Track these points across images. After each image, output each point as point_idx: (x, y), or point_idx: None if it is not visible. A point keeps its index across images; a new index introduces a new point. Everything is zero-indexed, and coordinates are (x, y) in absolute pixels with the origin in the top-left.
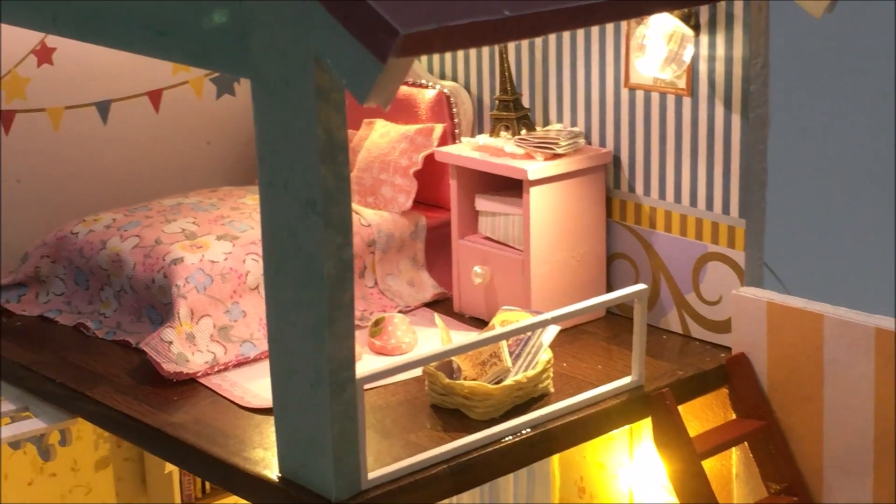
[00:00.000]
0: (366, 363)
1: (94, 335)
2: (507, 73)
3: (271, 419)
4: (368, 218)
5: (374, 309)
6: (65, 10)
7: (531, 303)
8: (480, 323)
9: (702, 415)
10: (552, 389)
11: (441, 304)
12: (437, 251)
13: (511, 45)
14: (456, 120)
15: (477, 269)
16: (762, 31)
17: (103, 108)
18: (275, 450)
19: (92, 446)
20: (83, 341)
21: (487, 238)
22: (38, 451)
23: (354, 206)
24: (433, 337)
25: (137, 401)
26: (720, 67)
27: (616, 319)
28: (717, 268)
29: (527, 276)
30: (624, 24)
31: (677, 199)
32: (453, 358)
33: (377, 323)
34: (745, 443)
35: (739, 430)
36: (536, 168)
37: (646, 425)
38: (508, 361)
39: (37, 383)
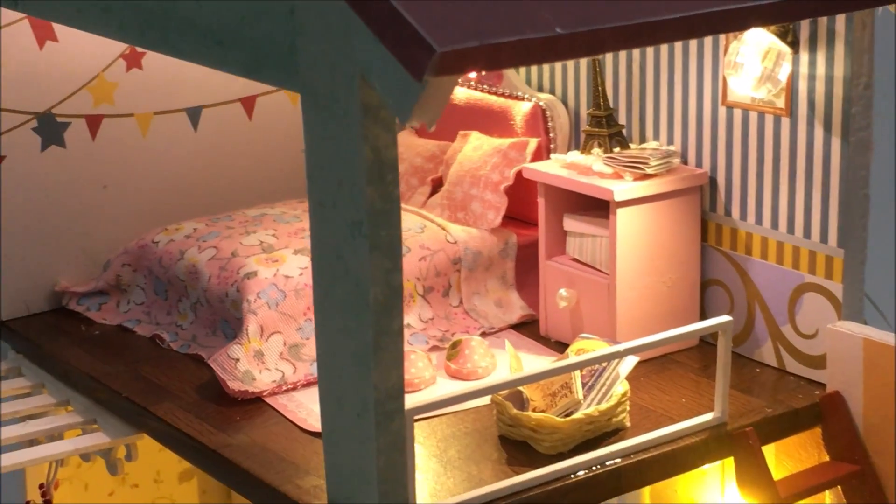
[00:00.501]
0: (439, 387)
1: (168, 347)
2: (600, 87)
3: None
4: (455, 234)
5: (457, 330)
6: (131, 16)
7: (616, 330)
8: (565, 347)
9: (794, 454)
10: (628, 424)
11: (527, 327)
12: (529, 271)
13: (609, 57)
14: (551, 135)
15: (562, 292)
16: (865, 49)
17: (194, 114)
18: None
19: (175, 458)
20: (157, 353)
21: (575, 260)
22: (105, 464)
23: (441, 221)
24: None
25: (199, 419)
26: (820, 87)
27: (710, 349)
28: (814, 299)
29: (612, 301)
30: (722, 38)
31: (774, 224)
32: (523, 387)
33: (454, 345)
34: (839, 487)
35: (831, 473)
36: (623, 188)
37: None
38: (580, 393)
39: (106, 395)
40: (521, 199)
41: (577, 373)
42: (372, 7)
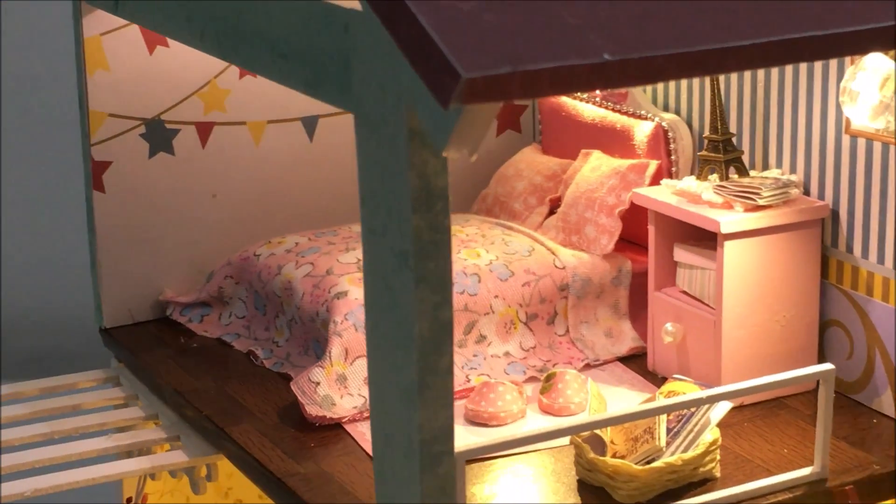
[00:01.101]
0: (528, 422)
1: (261, 364)
2: (718, 110)
3: None
4: (564, 259)
5: (560, 360)
6: (211, 26)
7: (721, 370)
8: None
9: None
10: (718, 474)
11: (636, 360)
12: (644, 300)
13: (732, 77)
14: (673, 157)
15: (668, 326)
16: None
17: (310, 123)
18: None
19: None
20: (249, 370)
21: (684, 292)
22: (189, 482)
23: (552, 244)
24: (617, 396)
25: (273, 444)
26: None
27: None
28: None
29: (718, 339)
30: (848, 60)
31: None
32: (607, 428)
33: (549, 378)
34: None
35: None
36: (732, 220)
37: None
38: (662, 440)
39: (191, 412)
40: (640, 224)
41: (663, 417)
42: (403, 29)
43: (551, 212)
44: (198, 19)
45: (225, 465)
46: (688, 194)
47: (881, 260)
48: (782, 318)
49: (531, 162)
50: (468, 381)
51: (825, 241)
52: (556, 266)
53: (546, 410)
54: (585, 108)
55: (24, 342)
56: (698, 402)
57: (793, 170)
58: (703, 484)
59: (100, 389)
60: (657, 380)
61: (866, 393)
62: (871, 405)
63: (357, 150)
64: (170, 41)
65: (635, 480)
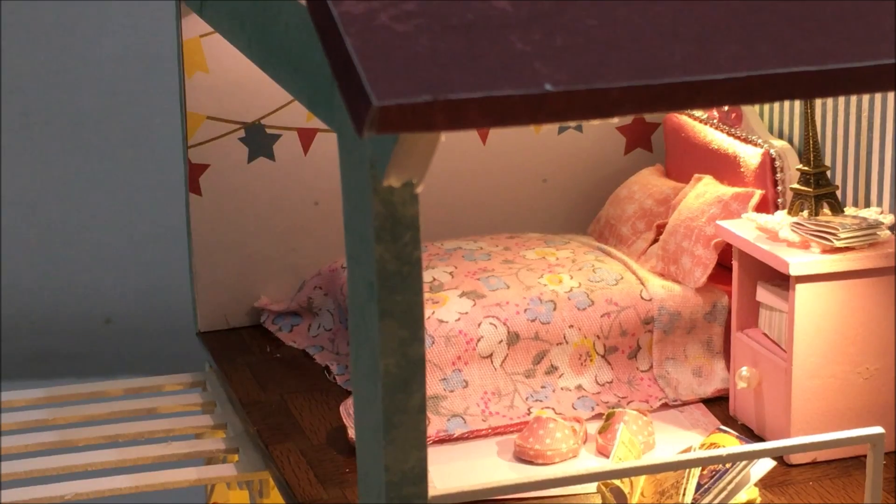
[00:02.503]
0: (580, 461)
1: (334, 380)
2: (811, 139)
3: None
4: (652, 291)
5: (636, 398)
6: (258, 36)
7: (790, 422)
8: (748, 432)
9: None
10: None
11: (719, 404)
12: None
13: (829, 104)
14: (779, 187)
15: (743, 371)
16: None
17: None
18: None
19: None
20: (320, 385)
21: (765, 335)
22: (249, 495)
23: (644, 274)
24: (681, 442)
25: (310, 465)
26: None
27: None
28: None
29: (788, 389)
30: None
31: None
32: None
33: (608, 417)
34: None
35: None
36: (804, 261)
37: None
38: (687, 497)
39: (246, 425)
40: None
41: (695, 472)
42: (333, 48)
43: (656, 238)
44: (246, 29)
45: (270, 483)
46: (767, 230)
47: None
48: (865, 371)
49: (645, 184)
50: (529, 413)
51: None
52: (642, 297)
53: (601, 451)
54: (703, 129)
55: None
56: (726, 459)
57: (894, 208)
58: None
59: (184, 394)
60: (736, 426)
61: None
62: None
63: (341, 174)
64: None
65: None
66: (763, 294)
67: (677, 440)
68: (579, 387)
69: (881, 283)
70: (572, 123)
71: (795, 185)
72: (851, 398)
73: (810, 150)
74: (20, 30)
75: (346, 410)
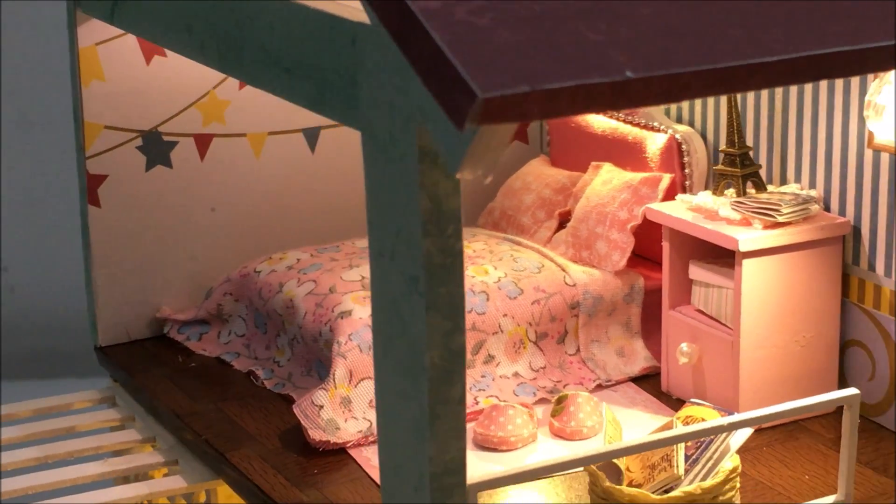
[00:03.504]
0: (539, 447)
1: (262, 385)
2: (735, 122)
3: None
4: (574, 276)
5: (570, 380)
6: (210, 39)
7: (739, 393)
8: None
9: None
10: (737, 502)
11: (649, 381)
12: (657, 318)
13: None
14: (687, 171)
15: (683, 346)
16: None
17: (311, 135)
18: None
19: None
20: (250, 391)
21: (700, 311)
22: None
23: (562, 261)
24: (630, 419)
25: (275, 470)
26: None
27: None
28: None
29: (736, 360)
30: (871, 75)
31: None
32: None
33: (560, 401)
34: None
35: None
36: (751, 237)
37: None
38: (680, 468)
39: (190, 436)
40: (652, 239)
41: (682, 444)
42: (415, 45)
43: (560, 226)
44: (198, 30)
45: (225, 491)
46: (704, 210)
47: None
48: (802, 339)
49: (539, 174)
50: (476, 403)
51: (846, 258)
52: (566, 283)
53: (557, 434)
54: (595, 119)
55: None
56: (721, 430)
57: (812, 185)
58: None
59: (95, 410)
60: (671, 401)
61: (889, 415)
62: (882, 423)
63: (365, 170)
64: (167, 51)
65: None
66: (696, 272)
67: (623, 418)
68: (516, 374)
69: (814, 254)
70: None
71: (720, 166)
72: (791, 366)
73: (734, 132)
74: None
75: (303, 412)
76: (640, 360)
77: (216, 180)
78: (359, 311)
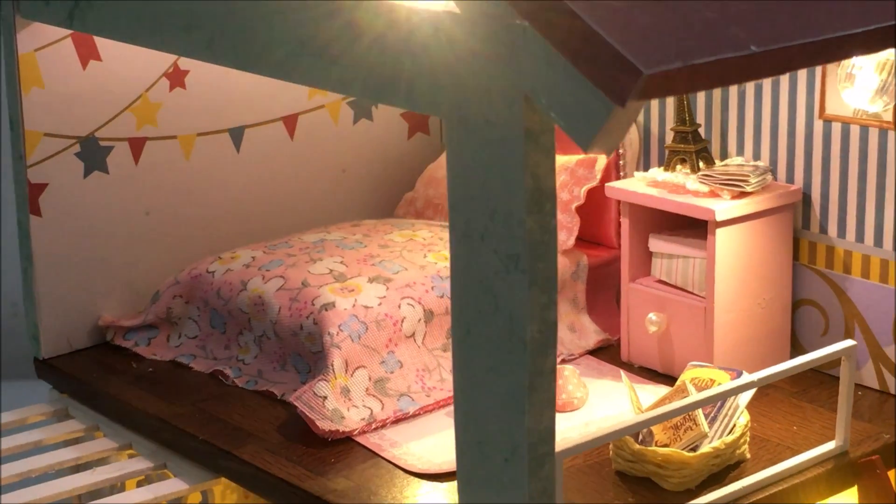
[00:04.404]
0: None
1: (233, 384)
2: (685, 102)
3: (442, 486)
4: None
5: None
6: (219, 35)
7: (713, 354)
8: (651, 374)
9: None
10: (748, 455)
11: (605, 352)
12: (598, 293)
13: None
14: (620, 150)
15: (652, 316)
16: None
17: (237, 134)
18: None
19: None
20: (221, 391)
21: (661, 282)
22: None
23: None
24: (604, 389)
25: (292, 462)
26: None
27: (801, 372)
28: None
29: (710, 325)
30: None
31: (878, 242)
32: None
33: None
34: None
35: None
36: (724, 208)
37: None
38: (706, 426)
39: (176, 438)
40: (588, 219)
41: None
42: (564, 29)
43: None
44: (202, 27)
45: (220, 490)
46: (669, 185)
47: (860, 239)
48: (763, 301)
49: None
50: None
51: (796, 224)
52: None
53: None
54: None
55: None
56: (744, 389)
57: (756, 157)
58: (738, 466)
59: (53, 424)
60: (635, 370)
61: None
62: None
63: (448, 156)
64: (103, 55)
65: (687, 467)
66: (658, 245)
67: (595, 388)
68: None
69: (771, 221)
70: (373, 112)
71: (671, 144)
72: (753, 327)
73: (685, 110)
74: None
75: (306, 403)
76: (590, 333)
77: (150, 184)
78: (342, 303)
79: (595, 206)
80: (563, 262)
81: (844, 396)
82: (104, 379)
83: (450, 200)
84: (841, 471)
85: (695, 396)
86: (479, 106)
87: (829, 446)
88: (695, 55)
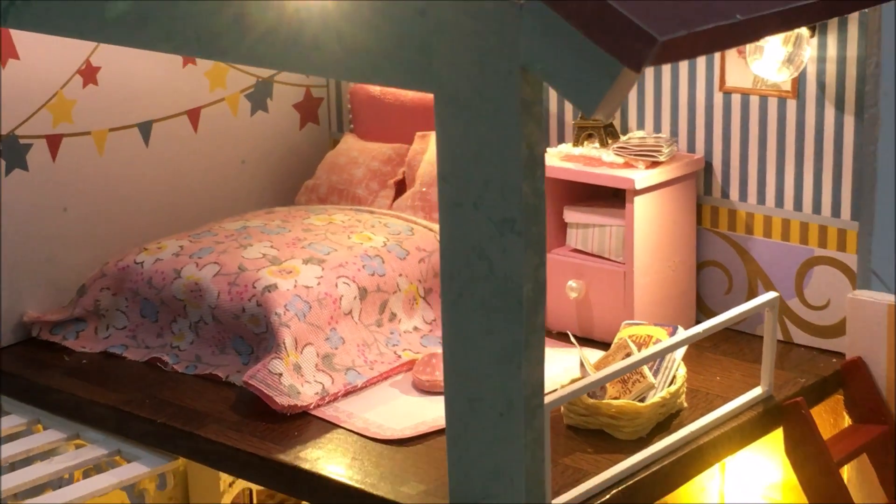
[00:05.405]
0: None
1: (172, 370)
2: None
3: (407, 450)
4: None
5: None
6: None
7: (633, 315)
8: (566, 338)
9: (819, 422)
10: (685, 404)
11: None
12: None
13: None
14: None
15: (572, 283)
16: (875, 30)
17: (145, 129)
18: (435, 483)
19: None
20: (163, 377)
21: (576, 251)
22: (128, 497)
23: (424, 222)
24: None
25: (258, 438)
26: (832, 68)
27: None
28: (825, 272)
29: (629, 288)
30: None
31: (779, 203)
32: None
33: None
34: (864, 454)
35: (864, 434)
36: (642, 177)
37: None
38: (652, 378)
39: (125, 424)
40: None
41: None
42: (575, 2)
43: (397, 194)
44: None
45: (179, 472)
46: (585, 159)
47: (762, 201)
48: (672, 264)
49: (363, 149)
50: (399, 357)
51: (699, 190)
52: (438, 241)
53: None
54: (410, 94)
55: None
56: (683, 343)
57: (657, 129)
58: (678, 414)
59: None
60: (553, 336)
61: (749, 322)
62: (756, 332)
63: (438, 130)
64: (21, 52)
65: (640, 417)
66: (574, 215)
67: None
68: (416, 328)
69: (678, 188)
70: (269, 104)
71: (579, 121)
72: (665, 288)
73: None
74: None
75: (262, 381)
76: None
77: (67, 180)
78: (283, 284)
79: None
80: None
81: (769, 345)
82: (38, 373)
83: (440, 173)
84: (769, 413)
85: (647, 351)
86: (470, 81)
87: (757, 392)
88: (694, 24)
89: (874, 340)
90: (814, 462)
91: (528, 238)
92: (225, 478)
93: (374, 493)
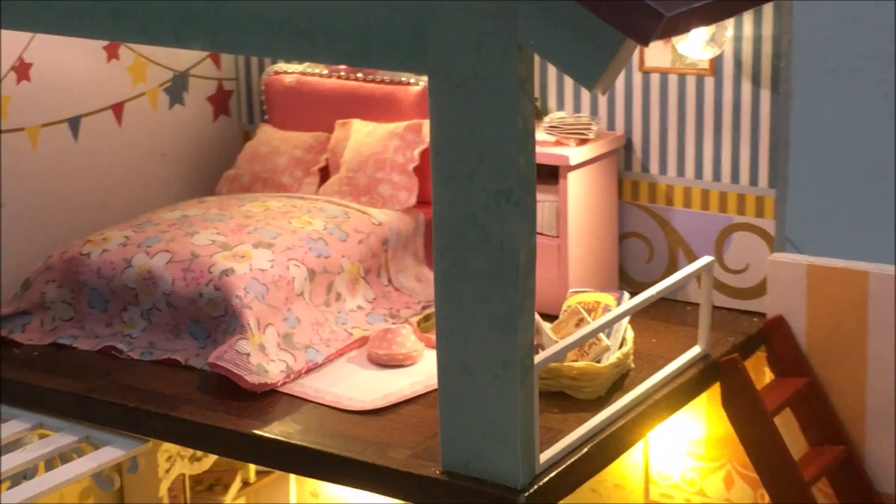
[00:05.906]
0: (427, 359)
1: (127, 357)
2: None
3: (383, 419)
4: (378, 217)
5: (399, 306)
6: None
7: (569, 284)
8: None
9: None
10: (633, 365)
11: None
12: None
13: None
14: None
15: None
16: (788, 9)
17: (74, 123)
18: (419, 447)
19: None
20: (119, 364)
21: None
22: (96, 483)
23: (357, 206)
24: None
25: (233, 415)
26: (748, 46)
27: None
28: (744, 237)
29: (564, 260)
30: None
31: (698, 175)
32: (544, 341)
33: (428, 318)
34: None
35: (789, 387)
36: (576, 154)
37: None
38: (607, 340)
39: (89, 411)
40: (421, 180)
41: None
42: None
43: (322, 180)
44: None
45: (150, 456)
46: None
47: (682, 173)
48: (598, 236)
49: (283, 139)
50: (350, 335)
51: (619, 166)
52: (373, 223)
53: (433, 345)
54: (327, 83)
55: None
56: (633, 310)
57: (576, 110)
58: (628, 374)
59: None
60: None
61: (671, 288)
62: (677, 297)
63: (431, 108)
64: None
65: (599, 377)
66: None
67: None
68: (359, 307)
69: (602, 165)
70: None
71: None
72: (593, 258)
73: None
74: None
75: (230, 361)
76: (433, 283)
77: (3, 175)
78: (239, 268)
79: (419, 167)
80: (406, 219)
81: (705, 307)
82: None
83: (433, 148)
84: (709, 370)
85: (607, 316)
86: (466, 61)
87: (696, 351)
88: (688, 1)
89: (794, 299)
90: (751, 412)
91: (524, 207)
92: (162, 465)
93: (364, 459)
